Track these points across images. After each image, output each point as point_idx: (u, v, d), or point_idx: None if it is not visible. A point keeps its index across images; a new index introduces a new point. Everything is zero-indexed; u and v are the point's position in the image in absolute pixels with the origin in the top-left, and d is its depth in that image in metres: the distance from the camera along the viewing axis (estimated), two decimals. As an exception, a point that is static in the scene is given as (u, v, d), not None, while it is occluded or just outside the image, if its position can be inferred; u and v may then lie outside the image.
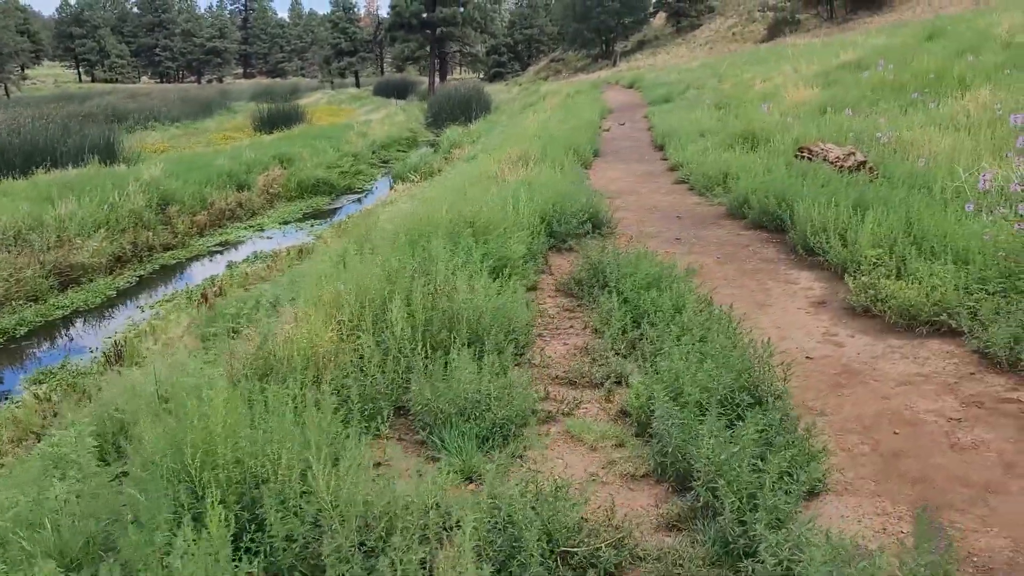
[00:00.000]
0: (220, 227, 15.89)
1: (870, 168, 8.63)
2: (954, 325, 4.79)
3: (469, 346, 4.09)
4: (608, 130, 18.87)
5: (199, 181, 16.94)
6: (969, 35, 16.38)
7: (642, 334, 4.65)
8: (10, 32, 75.90)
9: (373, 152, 27.12)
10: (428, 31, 65.91)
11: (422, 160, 21.85)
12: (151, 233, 13.83)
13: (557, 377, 4.29)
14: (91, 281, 11.81)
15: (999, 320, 4.56)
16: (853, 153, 8.91)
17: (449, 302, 4.33)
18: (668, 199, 10.02)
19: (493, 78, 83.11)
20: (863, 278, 5.58)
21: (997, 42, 14.67)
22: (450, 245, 5.38)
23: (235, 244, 14.86)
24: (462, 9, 65.09)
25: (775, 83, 18.92)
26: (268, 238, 15.29)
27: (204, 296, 9.66)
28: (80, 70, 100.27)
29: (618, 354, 4.56)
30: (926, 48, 16.40)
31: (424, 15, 64.49)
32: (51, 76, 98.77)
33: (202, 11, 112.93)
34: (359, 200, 19.42)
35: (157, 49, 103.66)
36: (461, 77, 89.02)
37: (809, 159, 9.39)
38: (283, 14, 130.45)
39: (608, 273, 5.64)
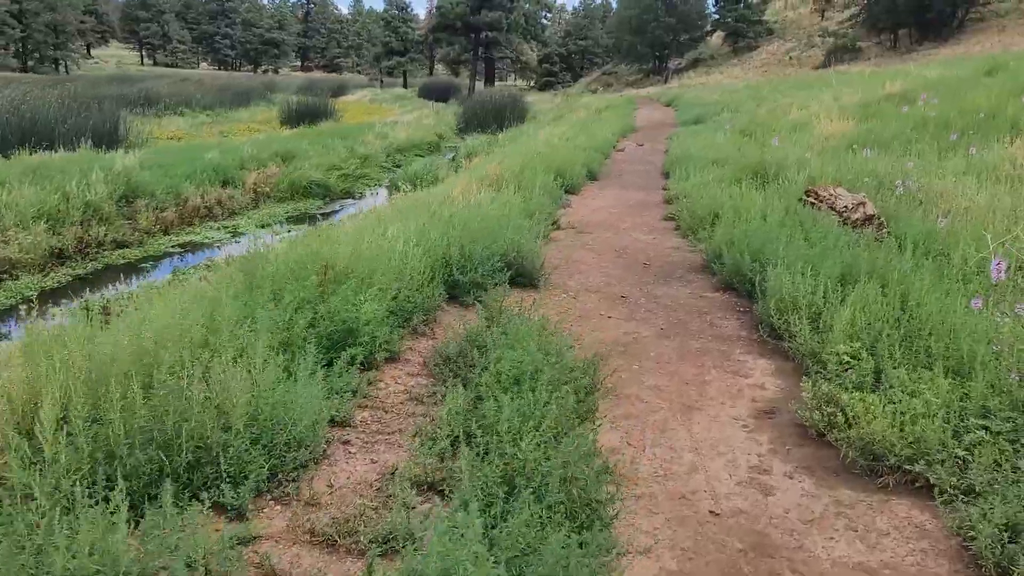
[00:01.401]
0: (190, 226, 14.81)
1: (879, 224, 7.08)
2: (933, 480, 3.30)
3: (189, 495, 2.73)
4: (623, 151, 17.42)
5: (180, 174, 15.93)
6: (1032, 73, 14.56)
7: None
8: (75, 11, 76.98)
9: (388, 155, 25.99)
10: (472, 34, 64.91)
11: (426, 169, 20.63)
12: (104, 228, 12.79)
13: (313, 532, 2.88)
14: (15, 279, 10.76)
15: (995, 488, 3.07)
16: (863, 203, 7.37)
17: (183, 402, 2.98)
18: (646, 239, 8.57)
19: (544, 87, 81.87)
20: (824, 386, 4.11)
21: (1063, 82, 12.87)
22: (265, 300, 4.06)
23: (199, 247, 13.76)
24: (509, 15, 63.95)
25: (811, 111, 17.25)
26: (237, 242, 14.16)
27: (106, 311, 8.49)
28: (143, 53, 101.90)
29: (424, 489, 3.17)
30: (982, 83, 14.61)
31: (469, 18, 63.48)
32: (115, 57, 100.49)
33: (265, 2, 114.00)
34: (356, 205, 18.29)
35: (217, 37, 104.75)
36: (512, 84, 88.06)
37: (815, 205, 7.87)
38: (344, 9, 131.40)
39: (482, 350, 4.26)
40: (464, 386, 3.94)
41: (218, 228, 15.35)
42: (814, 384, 4.17)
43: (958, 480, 3.23)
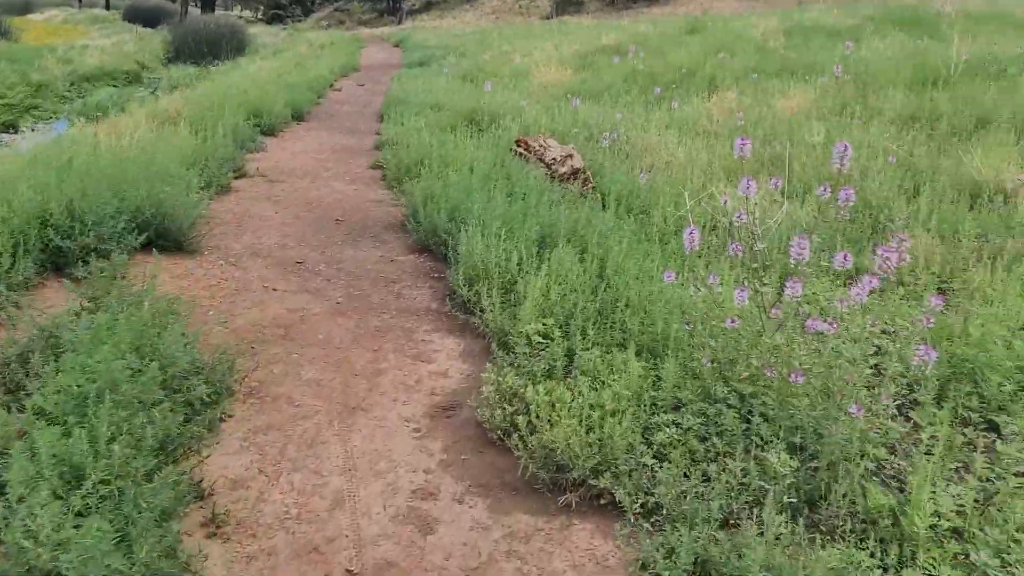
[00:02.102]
0: None
1: (586, 178, 6.71)
2: (619, 498, 2.74)
3: None
4: (340, 90, 16.12)
5: None
6: (726, 34, 15.43)
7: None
8: None
9: (73, 84, 22.29)
10: (186, -48, 58.34)
11: (113, 100, 17.80)
12: None
13: None
14: None
15: (683, 508, 2.57)
16: (571, 156, 6.96)
17: None
18: (346, 190, 7.57)
19: (272, 20, 76.11)
20: (510, 375, 3.46)
21: (751, 44, 13.69)
22: None
23: None
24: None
25: (533, 59, 17.10)
26: None
27: None
28: None
29: None
30: (685, 41, 15.24)
31: (182, -67, 56.85)
32: None
33: None
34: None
35: None
36: (236, 14, 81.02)
37: (525, 156, 7.34)
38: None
39: (56, 352, 3.07)
40: (11, 409, 2.74)
41: None
42: (498, 373, 3.50)
43: (644, 497, 2.70)
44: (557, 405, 3.13)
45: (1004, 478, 2.55)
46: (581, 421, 3.01)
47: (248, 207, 6.59)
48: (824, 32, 14.87)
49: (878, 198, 5.52)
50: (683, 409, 3.09)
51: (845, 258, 2.73)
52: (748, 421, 2.91)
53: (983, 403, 3.16)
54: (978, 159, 6.23)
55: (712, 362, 3.24)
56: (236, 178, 7.63)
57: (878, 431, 2.71)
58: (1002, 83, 8.92)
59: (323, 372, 3.79)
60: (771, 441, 2.75)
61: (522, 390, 3.30)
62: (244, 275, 4.92)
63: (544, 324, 3.88)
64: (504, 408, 3.27)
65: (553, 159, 7.04)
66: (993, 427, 3.04)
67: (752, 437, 2.81)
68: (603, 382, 3.27)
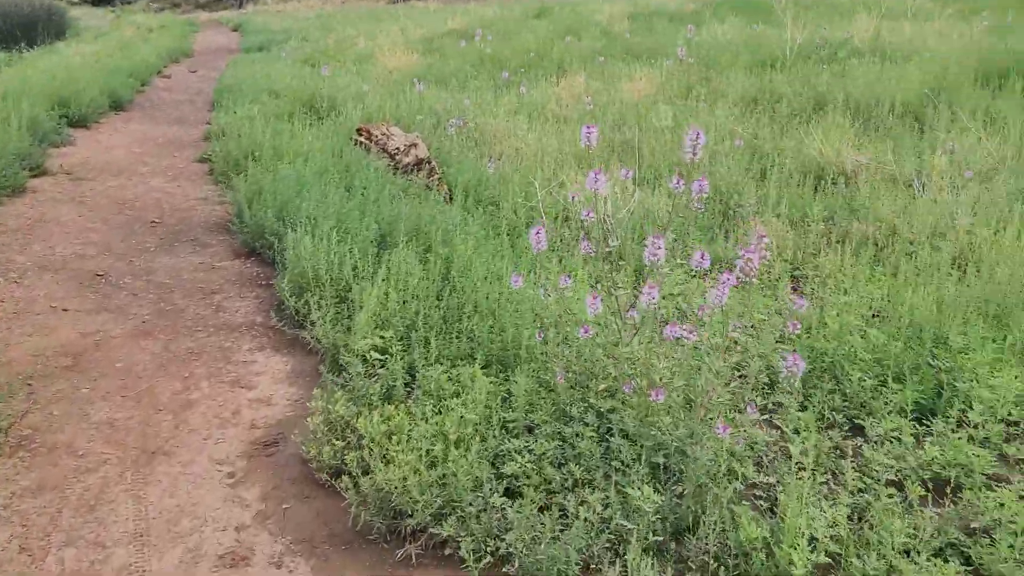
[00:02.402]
0: None
1: (431, 168, 6.29)
2: (463, 552, 2.35)
3: None
4: (169, 77, 14.85)
5: None
6: (573, 18, 15.39)
7: None
8: None
9: None
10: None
11: None
12: None
13: None
14: None
15: (539, 556, 2.22)
16: (415, 144, 6.51)
17: None
18: (167, 188, 6.79)
19: (97, 2, 70.66)
20: (340, 402, 3.00)
21: (597, 28, 13.68)
22: None
23: None
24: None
25: (378, 43, 16.43)
26: None
27: None
28: None
29: None
30: (532, 25, 15.07)
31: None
32: None
33: None
34: None
35: None
36: (55, -6, 74.39)
37: (366, 145, 6.82)
38: None
39: None
40: None
41: None
42: (328, 399, 3.04)
43: (494, 543, 2.33)
44: (395, 436, 2.71)
45: (875, 490, 2.37)
46: (422, 456, 2.61)
47: (44, 211, 5.72)
48: (666, 16, 15.09)
49: (727, 183, 5.43)
50: (537, 431, 2.75)
51: (702, 257, 2.47)
52: (607, 441, 2.61)
53: (846, 401, 3.01)
54: (819, 141, 6.29)
55: (567, 373, 2.92)
56: (33, 176, 6.67)
57: (744, 440, 2.47)
58: (834, 67, 9.22)
59: (118, 409, 3.19)
60: (632, 465, 2.46)
61: (354, 420, 2.86)
62: (27, 294, 4.18)
63: (382, 337, 3.45)
64: (333, 443, 2.82)
65: (396, 148, 6.56)
66: (858, 428, 2.89)
67: (612, 461, 2.50)
68: (448, 406, 2.88)
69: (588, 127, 2.69)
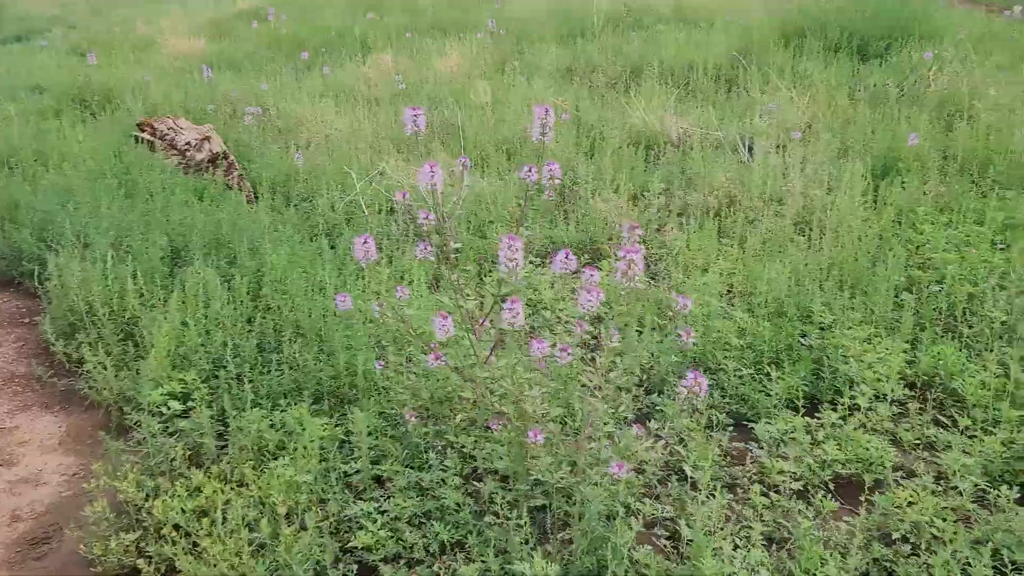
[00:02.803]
0: None
1: (230, 164, 5.51)
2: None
3: None
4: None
5: None
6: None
7: None
8: None
9: None
10: None
11: None
12: None
13: None
14: None
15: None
16: (208, 139, 5.69)
17: None
18: None
19: None
20: (130, 476, 2.35)
21: (400, 2, 13.06)
22: None
23: None
24: None
25: (160, 27, 14.89)
26: None
27: None
28: None
29: None
30: (330, 1, 14.18)
31: None
32: None
33: None
34: None
35: None
36: None
37: (151, 143, 5.89)
38: None
39: None
40: None
41: None
42: (113, 473, 2.38)
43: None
44: (206, 517, 2.12)
45: (784, 506, 2.09)
46: (243, 542, 2.04)
47: None
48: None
49: (560, 160, 5.11)
50: (389, 485, 2.26)
51: (567, 257, 2.07)
52: (475, 484, 2.17)
53: (724, 396, 2.74)
54: (641, 110, 6.14)
55: (417, 403, 2.44)
56: None
57: (638, 470, 2.12)
58: (642, 33, 9.21)
59: None
60: (510, 513, 2.03)
61: (150, 501, 2.24)
62: None
63: (182, 380, 2.81)
64: (123, 535, 2.18)
65: (187, 144, 5.72)
66: (742, 426, 2.63)
67: (485, 516, 2.06)
68: (273, 467, 2.32)
69: (414, 110, 2.21)
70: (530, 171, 2.14)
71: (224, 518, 2.11)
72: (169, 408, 2.68)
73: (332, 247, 4.09)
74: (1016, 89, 6.02)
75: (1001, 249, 3.54)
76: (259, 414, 2.57)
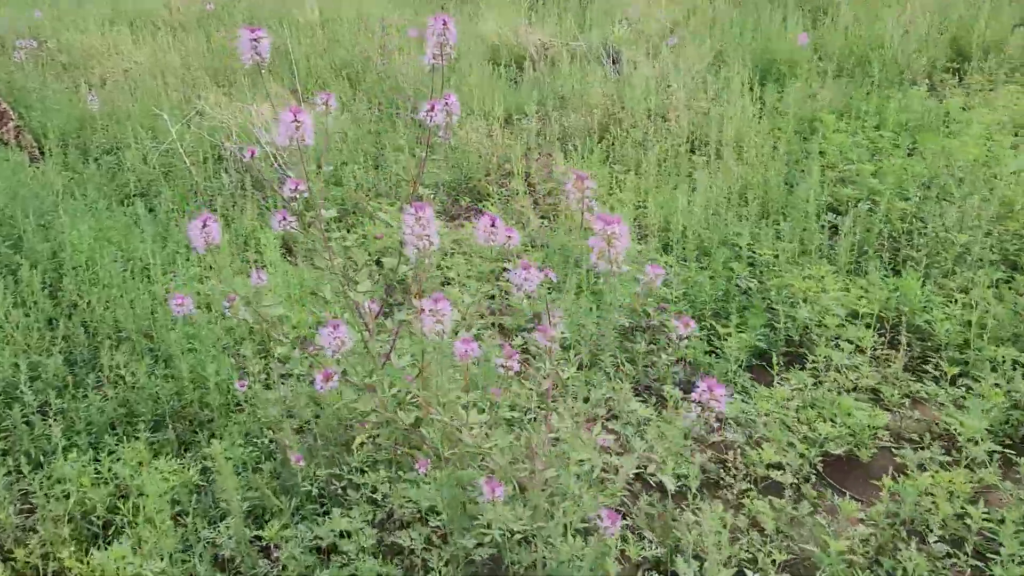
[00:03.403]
0: None
1: (2, 112, 4.42)
2: None
3: None
4: None
5: None
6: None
7: None
8: None
9: None
10: None
11: None
12: None
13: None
14: None
15: None
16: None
17: None
18: None
19: None
20: None
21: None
22: None
23: None
24: None
25: None
26: None
27: None
28: None
29: None
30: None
31: None
32: None
33: None
34: None
35: None
36: None
37: None
38: None
39: None
40: None
41: None
42: None
43: None
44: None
45: (792, 517, 1.71)
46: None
47: None
48: None
49: (414, 84, 4.46)
50: (278, 554, 1.68)
51: (510, 234, 1.52)
52: (392, 534, 1.64)
53: (672, 361, 2.32)
54: (493, 22, 5.53)
55: (299, 432, 1.86)
56: None
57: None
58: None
59: None
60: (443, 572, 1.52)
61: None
62: None
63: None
64: None
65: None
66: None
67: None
68: (105, 548, 1.67)
69: (252, 31, 1.55)
70: (432, 110, 1.56)
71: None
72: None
73: (151, 210, 3.31)
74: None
75: (909, 155, 3.31)
76: (76, 464, 1.88)
